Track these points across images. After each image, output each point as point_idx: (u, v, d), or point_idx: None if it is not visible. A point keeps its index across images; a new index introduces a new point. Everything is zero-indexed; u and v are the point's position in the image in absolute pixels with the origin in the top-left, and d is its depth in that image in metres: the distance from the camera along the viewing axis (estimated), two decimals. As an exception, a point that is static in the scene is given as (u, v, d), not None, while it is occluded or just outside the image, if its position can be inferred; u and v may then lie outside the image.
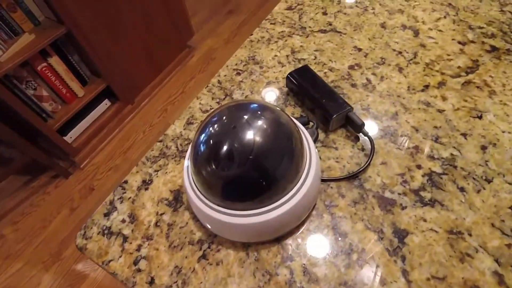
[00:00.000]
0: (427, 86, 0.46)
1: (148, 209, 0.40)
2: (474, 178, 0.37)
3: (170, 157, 0.45)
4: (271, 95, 0.49)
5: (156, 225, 0.38)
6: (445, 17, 0.55)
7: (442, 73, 0.48)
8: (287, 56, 0.54)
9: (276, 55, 0.55)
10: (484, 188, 0.36)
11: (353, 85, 0.48)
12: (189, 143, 0.46)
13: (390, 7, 0.59)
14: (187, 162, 0.36)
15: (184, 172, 0.35)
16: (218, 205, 0.32)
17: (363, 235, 0.35)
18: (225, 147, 0.31)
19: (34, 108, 1.26)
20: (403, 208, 0.36)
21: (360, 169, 0.39)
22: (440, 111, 0.44)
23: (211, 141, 0.32)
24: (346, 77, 0.49)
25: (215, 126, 0.32)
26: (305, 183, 0.33)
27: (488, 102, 0.43)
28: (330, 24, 0.58)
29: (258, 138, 0.30)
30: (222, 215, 0.32)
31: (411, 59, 0.50)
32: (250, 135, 0.30)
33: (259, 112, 0.33)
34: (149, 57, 1.66)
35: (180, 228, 0.38)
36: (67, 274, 1.23)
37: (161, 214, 0.39)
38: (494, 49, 0.49)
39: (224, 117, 0.33)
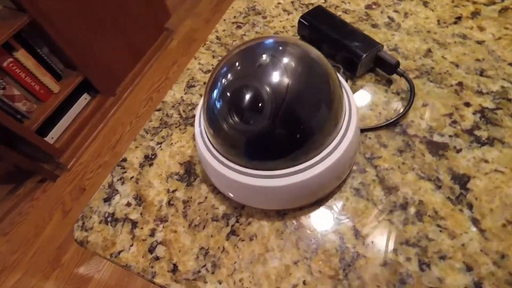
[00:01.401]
0: (459, 18, 0.41)
1: (156, 187, 0.33)
2: (533, 109, 0.32)
3: (173, 126, 0.38)
4: (280, 46, 0.42)
5: (169, 204, 0.32)
6: None
7: (474, 2, 0.42)
8: (292, 2, 0.47)
9: (279, 3, 0.48)
10: (546, 118, 0.31)
11: (374, 26, 0.42)
12: (194, 108, 0.39)
13: None
14: (198, 125, 0.29)
15: (197, 137, 0.29)
16: (244, 167, 0.26)
17: (417, 186, 0.30)
18: (250, 93, 0.24)
19: (6, 110, 1.14)
20: (458, 151, 0.31)
21: (400, 114, 0.33)
22: (480, 42, 0.38)
23: (232, 87, 0.25)
24: (365, 18, 0.43)
25: (234, 68, 0.26)
26: (347, 134, 0.26)
27: (530, 27, 0.38)
28: (335, -36, 0.51)
29: (291, 79, 0.24)
30: (250, 178, 0.26)
31: (434, -9, 0.44)
32: (281, 75, 0.24)
33: (288, 48, 0.26)
34: (126, 43, 1.54)
35: (198, 204, 0.32)
36: (70, 279, 1.16)
37: (173, 191, 0.33)
38: (524, -29, 0.44)
39: (244, 58, 0.26)
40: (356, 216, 0.29)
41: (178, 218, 0.31)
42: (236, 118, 0.25)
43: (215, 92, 0.26)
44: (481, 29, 0.39)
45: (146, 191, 0.33)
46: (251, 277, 0.27)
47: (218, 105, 0.26)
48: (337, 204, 0.30)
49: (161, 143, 0.37)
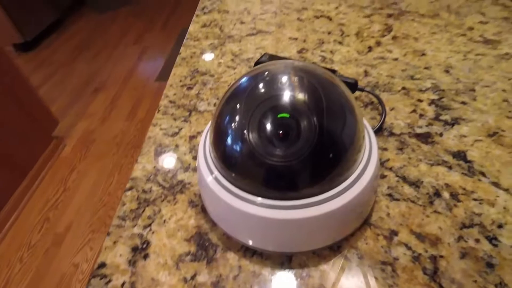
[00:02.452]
0: (370, 48, 0.50)
1: (166, 282, 0.24)
2: (463, 92, 0.40)
3: (157, 200, 0.30)
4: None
5: (195, 295, 0.23)
6: (340, 5, 0.63)
7: (372, 37, 0.52)
8: (232, 59, 0.49)
9: (220, 62, 0.49)
10: (474, 91, 0.39)
11: (313, 63, 0.47)
12: (175, 174, 0.32)
13: (295, 6, 0.63)
14: (209, 173, 0.24)
15: (210, 184, 0.23)
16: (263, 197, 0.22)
17: (434, 172, 0.31)
18: (282, 123, 0.22)
19: None
20: (440, 134, 0.34)
21: (382, 120, 0.36)
22: (395, 59, 0.47)
23: (262, 116, 0.22)
24: (302, 59, 0.48)
25: (257, 90, 0.23)
26: (371, 158, 0.25)
27: (420, 44, 0.49)
28: (254, 28, 0.57)
29: (325, 103, 0.22)
30: (270, 209, 0.22)
31: (342, 34, 0.54)
32: (315, 96, 0.22)
33: (313, 71, 0.25)
34: (5, 162, 1.28)
35: (234, 279, 0.24)
36: None
37: (193, 277, 0.24)
38: (390, 15, 0.58)
39: (269, 84, 0.23)
40: (406, 219, 0.27)
41: (217, 308, 0.22)
42: (264, 147, 0.21)
43: (237, 119, 0.22)
44: (389, 51, 0.49)
45: (152, 294, 0.24)
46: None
47: (242, 135, 0.22)
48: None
49: (149, 225, 0.28)
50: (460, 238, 0.26)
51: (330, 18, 0.59)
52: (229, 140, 0.23)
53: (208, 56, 0.51)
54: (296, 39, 0.53)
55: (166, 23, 2.92)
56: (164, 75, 2.19)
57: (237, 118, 0.22)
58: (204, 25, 0.59)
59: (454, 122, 0.36)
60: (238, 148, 0.22)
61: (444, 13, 0.56)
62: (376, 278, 0.24)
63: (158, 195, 0.30)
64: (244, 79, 0.24)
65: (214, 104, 0.41)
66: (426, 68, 0.44)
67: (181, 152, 0.35)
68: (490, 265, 0.24)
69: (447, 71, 0.43)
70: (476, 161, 0.31)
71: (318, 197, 0.22)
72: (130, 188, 0.31)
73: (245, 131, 0.21)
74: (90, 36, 2.80)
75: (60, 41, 2.75)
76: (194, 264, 0.25)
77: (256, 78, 0.24)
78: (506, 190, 0.29)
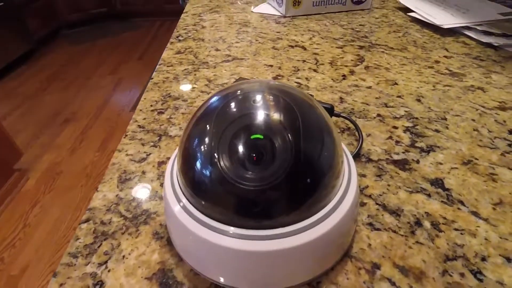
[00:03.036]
0: (344, 76, 0.51)
1: (119, 333, 0.20)
2: (435, 120, 0.40)
3: (117, 233, 0.27)
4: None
5: None
6: (314, 36, 0.65)
7: (345, 66, 0.54)
8: (206, 85, 0.48)
9: (194, 87, 0.47)
10: (446, 120, 0.40)
11: (289, 90, 0.47)
12: (139, 204, 0.29)
13: (270, 36, 0.65)
14: (176, 202, 0.22)
15: (177, 213, 0.21)
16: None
17: (413, 200, 0.30)
18: (257, 145, 0.20)
19: None
20: (417, 161, 0.34)
21: (360, 145, 0.35)
22: (369, 87, 0.48)
23: (229, 131, 0.20)
24: (278, 86, 0.48)
25: (228, 109, 0.21)
26: (350, 184, 0.23)
27: (391, 74, 0.51)
28: (229, 55, 0.57)
29: (302, 123, 0.21)
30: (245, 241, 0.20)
31: (316, 63, 0.55)
32: (292, 116, 0.21)
33: (289, 91, 0.23)
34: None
35: (201, 325, 0.21)
36: None
37: (152, 325, 0.21)
38: (361, 47, 0.61)
39: (238, 97, 0.22)
40: (388, 251, 0.25)
41: None
42: (239, 170, 0.19)
43: (207, 141, 0.20)
44: (363, 80, 0.50)
45: None
46: None
47: (212, 161, 0.20)
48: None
49: (105, 262, 0.24)
50: (444, 272, 0.24)
51: (304, 48, 0.60)
52: (198, 164, 0.20)
53: (182, 81, 0.49)
54: (271, 66, 0.53)
55: (143, 55, 2.93)
56: (140, 103, 2.16)
57: (206, 139, 0.20)
58: (179, 52, 0.59)
59: (430, 149, 0.36)
60: (207, 172, 0.20)
61: (411, 47, 0.59)
62: (360, 319, 0.21)
63: (118, 227, 0.27)
64: (214, 98, 0.23)
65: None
66: (398, 96, 0.45)
67: (148, 179, 0.32)
68: (477, 300, 0.22)
69: (418, 100, 0.44)
70: (454, 189, 0.31)
71: (296, 225, 0.20)
72: (87, 220, 0.28)
73: (215, 153, 0.19)
74: (62, 68, 2.73)
75: (30, 72, 2.66)
76: (155, 309, 0.22)
77: (227, 96, 0.22)
78: (486, 220, 0.28)
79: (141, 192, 0.31)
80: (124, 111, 2.09)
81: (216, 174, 0.20)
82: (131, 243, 0.26)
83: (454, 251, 0.25)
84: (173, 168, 0.24)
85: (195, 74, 0.51)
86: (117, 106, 2.15)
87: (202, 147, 0.21)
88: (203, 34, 0.66)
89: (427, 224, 0.27)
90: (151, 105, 0.43)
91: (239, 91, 0.22)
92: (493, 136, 0.38)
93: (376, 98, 0.45)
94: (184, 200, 0.22)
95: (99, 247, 0.26)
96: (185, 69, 0.52)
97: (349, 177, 0.24)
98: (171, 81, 0.49)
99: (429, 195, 0.30)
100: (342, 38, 0.64)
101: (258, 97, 0.22)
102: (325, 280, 0.23)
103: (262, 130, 0.20)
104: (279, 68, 0.53)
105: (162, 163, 0.34)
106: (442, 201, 0.30)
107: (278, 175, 0.19)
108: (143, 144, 0.36)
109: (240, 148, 0.20)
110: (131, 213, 0.28)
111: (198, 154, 0.21)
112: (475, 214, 0.28)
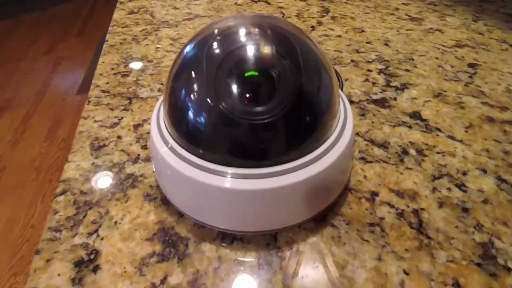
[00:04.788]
0: (313, 27, 0.50)
1: (128, 295, 0.19)
2: (404, 61, 0.42)
3: (102, 201, 0.24)
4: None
5: (169, 303, 0.19)
6: (275, -9, 0.63)
7: (312, 17, 0.53)
8: (171, 44, 0.44)
9: (158, 47, 0.43)
10: (413, 60, 0.41)
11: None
12: (121, 169, 0.27)
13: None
14: (160, 146, 0.20)
15: (165, 155, 0.19)
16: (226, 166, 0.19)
17: (397, 132, 0.31)
18: (253, 77, 0.19)
19: None
20: (395, 98, 0.35)
21: (341, 88, 0.35)
22: (338, 36, 0.47)
23: (225, 61, 0.18)
24: (248, 40, 0.46)
25: (220, 41, 0.19)
26: (347, 119, 0.23)
27: (357, 22, 0.51)
28: (191, 13, 0.53)
29: (298, 55, 0.20)
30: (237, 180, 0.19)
31: (283, 16, 0.53)
32: (290, 48, 0.20)
33: (283, 25, 0.22)
34: None
35: (215, 272, 0.20)
36: None
37: (164, 280, 0.20)
38: (323, -1, 0.60)
39: (235, 39, 0.20)
40: (383, 179, 0.26)
41: (200, 313, 0.18)
42: (230, 104, 0.18)
43: (194, 76, 0.19)
44: (332, 29, 0.49)
45: (111, 315, 0.18)
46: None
47: (204, 94, 0.18)
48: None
49: (95, 231, 0.22)
50: (434, 189, 0.26)
51: (268, 2, 0.58)
52: (193, 103, 0.19)
53: (142, 42, 0.45)
54: (238, 22, 0.51)
55: (82, 31, 2.64)
56: (86, 87, 1.97)
57: (200, 75, 0.19)
58: (132, 12, 0.53)
59: (404, 87, 0.37)
60: (205, 110, 0.18)
61: (372, -5, 0.60)
62: (367, 241, 0.22)
63: (103, 195, 0.25)
64: (201, 36, 0.20)
65: (158, 90, 0.36)
66: (367, 42, 0.46)
67: (125, 143, 0.29)
68: (465, 210, 0.24)
69: (386, 44, 0.45)
70: (430, 119, 0.32)
71: (298, 161, 0.20)
72: (63, 192, 0.25)
73: (212, 87, 0.18)
74: (-15, 49, 2.37)
75: None
76: (162, 265, 0.20)
77: (218, 30, 0.20)
78: (461, 141, 0.30)
79: (120, 157, 0.28)
80: (69, 94, 1.89)
81: (212, 109, 0.18)
82: (121, 208, 0.24)
83: (439, 171, 0.27)
84: (159, 117, 0.22)
85: (156, 34, 0.47)
86: (60, 89, 1.94)
87: (196, 84, 0.19)
88: (156, -6, 0.61)
89: (412, 151, 0.29)
90: (112, 68, 0.39)
91: (230, 25, 0.20)
92: (455, 70, 0.40)
93: (347, 45, 0.45)
94: (178, 148, 0.20)
95: (84, 217, 0.23)
96: (144, 29, 0.48)
97: (345, 114, 0.24)
98: (129, 42, 0.45)
99: (410, 127, 0.31)
100: (303, -9, 0.63)
101: (250, 30, 0.20)
102: (330, 213, 0.24)
103: (261, 64, 0.19)
104: (245, 23, 0.50)
105: (138, 126, 0.31)
106: (422, 131, 0.31)
107: (282, 107, 0.18)
108: (111, 109, 0.33)
109: (240, 82, 0.18)
110: (114, 179, 0.26)
111: (192, 93, 0.19)
112: (451, 137, 0.30)
